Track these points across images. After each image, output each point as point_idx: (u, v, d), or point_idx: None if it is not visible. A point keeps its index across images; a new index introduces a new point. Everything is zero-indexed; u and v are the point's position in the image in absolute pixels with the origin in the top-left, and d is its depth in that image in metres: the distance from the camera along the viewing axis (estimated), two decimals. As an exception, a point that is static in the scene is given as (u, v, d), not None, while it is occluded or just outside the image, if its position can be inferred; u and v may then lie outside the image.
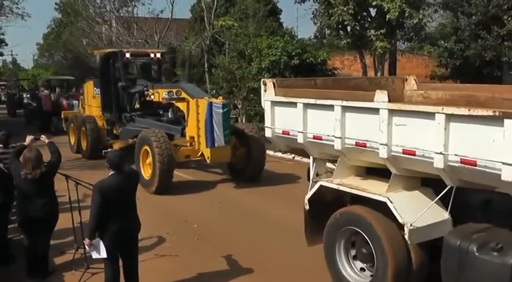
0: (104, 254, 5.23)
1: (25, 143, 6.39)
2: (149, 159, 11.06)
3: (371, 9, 14.87)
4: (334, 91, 5.79)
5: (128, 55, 14.15)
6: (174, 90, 11.80)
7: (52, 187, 6.23)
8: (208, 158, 11.03)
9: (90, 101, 16.66)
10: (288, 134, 6.12)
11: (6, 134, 8.26)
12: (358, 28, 14.46)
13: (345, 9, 13.90)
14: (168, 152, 10.61)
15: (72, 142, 17.03)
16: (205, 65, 23.41)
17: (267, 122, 6.39)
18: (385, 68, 16.28)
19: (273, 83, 6.28)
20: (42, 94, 25.89)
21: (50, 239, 6.44)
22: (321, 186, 5.84)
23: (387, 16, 13.56)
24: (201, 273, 6.69)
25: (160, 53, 15.23)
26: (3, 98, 40.20)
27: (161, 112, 14.01)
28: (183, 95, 11.61)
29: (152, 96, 13.00)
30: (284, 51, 15.83)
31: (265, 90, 6.36)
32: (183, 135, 11.98)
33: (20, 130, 7.73)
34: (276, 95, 6.21)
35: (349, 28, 14.85)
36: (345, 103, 5.25)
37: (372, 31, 14.10)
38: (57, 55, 48.27)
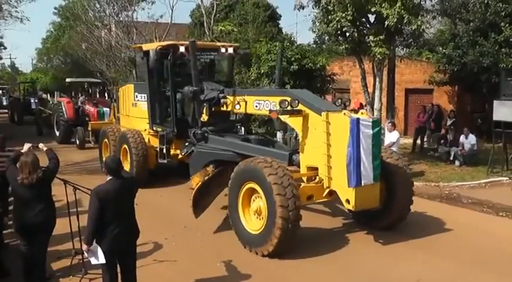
0: (102, 259, 5.22)
1: (22, 150, 6.36)
2: (257, 204, 7.66)
3: (370, 16, 14.88)
4: None
5: None
6: (289, 99, 8.01)
7: (49, 193, 6.21)
8: (348, 201, 7.41)
9: (129, 110, 13.33)
10: None
11: (2, 137, 8.26)
12: (356, 34, 14.47)
13: (344, 15, 13.92)
14: (295, 199, 7.14)
15: None
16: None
17: None
18: (383, 74, 16.30)
19: None
20: (63, 99, 22.18)
21: (48, 244, 6.42)
22: None
23: (386, 22, 13.55)
24: (199, 280, 6.68)
25: (233, 48, 12.09)
26: (4, 103, 36.77)
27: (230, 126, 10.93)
28: (300, 106, 8.05)
29: (237, 106, 9.69)
30: (283, 56, 15.84)
31: None
32: (291, 163, 8.58)
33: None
34: None
35: (347, 34, 14.87)
36: None
37: (371, 37, 14.11)
38: (55, 59, 48.29)
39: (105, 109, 19.36)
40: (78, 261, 6.76)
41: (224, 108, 10.20)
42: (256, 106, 9.22)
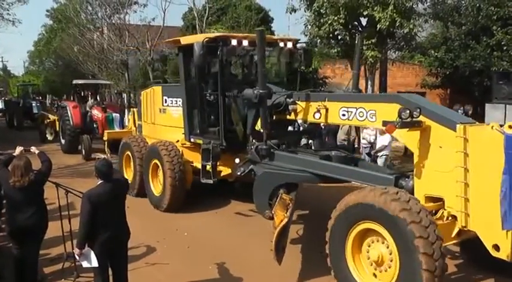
0: (94, 263, 5.20)
1: (14, 154, 6.32)
2: (377, 251, 5.66)
3: (362, 19, 14.98)
4: None
5: (245, 43, 8.93)
6: (411, 108, 5.86)
7: (41, 196, 6.17)
8: (497, 248, 5.32)
9: (155, 117, 11.37)
10: None
11: None
12: (348, 38, 14.57)
13: (336, 18, 14.00)
14: (440, 244, 5.23)
15: (130, 178, 11.15)
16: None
17: None
18: (375, 77, 16.39)
19: None
20: (68, 103, 19.40)
21: (40, 247, 6.39)
22: None
23: (378, 26, 13.67)
24: (191, 282, 6.68)
25: (293, 42, 9.83)
26: (0, 106, 35.11)
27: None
28: (422, 117, 5.91)
29: (317, 115, 7.33)
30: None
31: None
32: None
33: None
34: None
35: (339, 37, 14.96)
36: None
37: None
38: (47, 62, 48.09)
39: (114, 115, 17.44)
40: (70, 265, 6.73)
41: (291, 117, 8.09)
42: (344, 115, 7.06)
